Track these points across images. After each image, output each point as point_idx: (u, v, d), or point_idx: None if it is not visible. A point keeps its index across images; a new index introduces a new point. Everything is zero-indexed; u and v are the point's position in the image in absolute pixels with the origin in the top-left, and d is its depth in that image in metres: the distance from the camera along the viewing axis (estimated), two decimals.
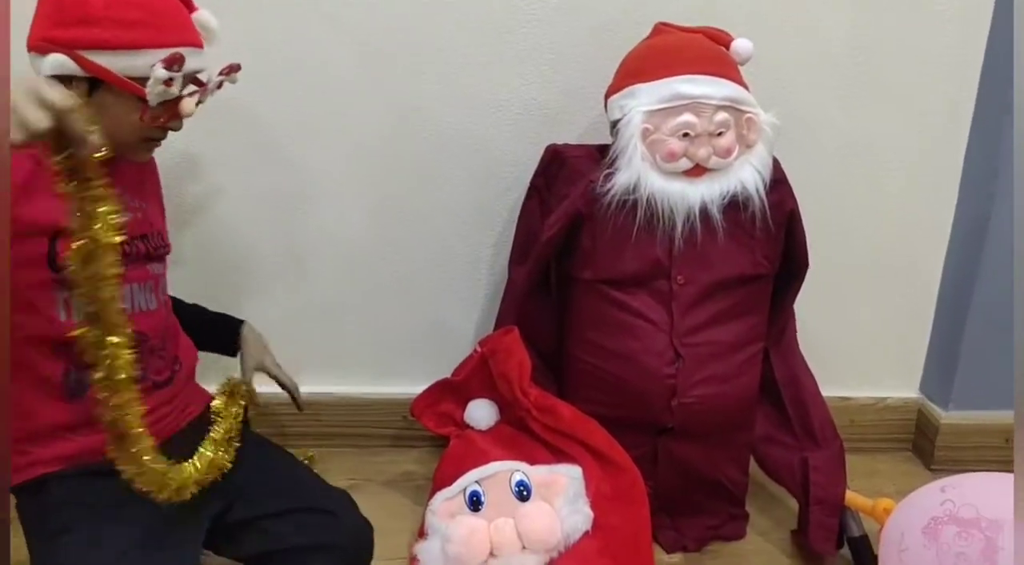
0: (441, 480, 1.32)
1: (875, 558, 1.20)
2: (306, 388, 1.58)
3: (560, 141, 1.41)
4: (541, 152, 1.39)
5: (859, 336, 1.67)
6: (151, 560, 0.96)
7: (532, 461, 1.29)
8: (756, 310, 1.33)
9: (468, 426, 1.38)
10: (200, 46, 1.02)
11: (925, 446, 1.68)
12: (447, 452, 1.37)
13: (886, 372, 1.71)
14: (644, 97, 1.20)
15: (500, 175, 1.50)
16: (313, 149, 1.48)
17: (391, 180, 1.51)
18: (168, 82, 0.96)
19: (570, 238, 1.30)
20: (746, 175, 1.23)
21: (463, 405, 1.41)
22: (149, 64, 0.95)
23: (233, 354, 1.29)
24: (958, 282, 1.61)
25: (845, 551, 1.34)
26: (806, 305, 1.62)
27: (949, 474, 1.23)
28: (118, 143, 0.95)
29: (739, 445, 1.39)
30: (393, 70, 1.44)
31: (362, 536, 1.11)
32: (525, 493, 1.25)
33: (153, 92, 0.95)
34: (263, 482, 1.09)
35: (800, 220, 1.33)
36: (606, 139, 1.31)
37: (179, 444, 1.01)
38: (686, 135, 1.20)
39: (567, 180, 1.29)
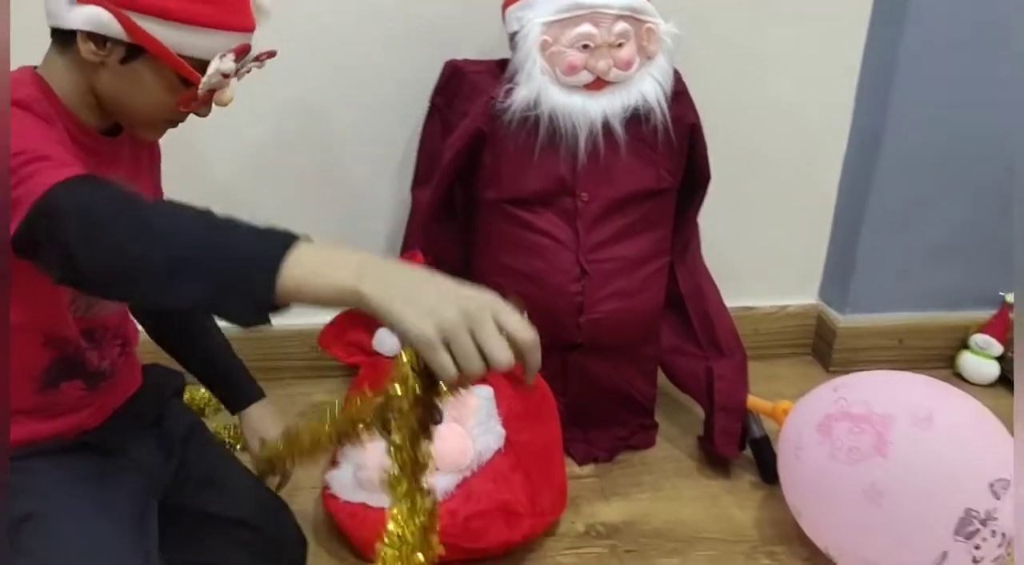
0: (351, 407, 1.30)
1: (775, 457, 1.26)
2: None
3: (460, 57, 1.36)
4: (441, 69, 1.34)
5: (761, 247, 1.71)
6: (114, 537, 0.88)
7: None
8: (660, 224, 1.34)
9: (378, 354, 1.37)
10: (254, 30, 0.88)
11: (824, 349, 1.75)
12: (356, 380, 1.35)
13: (787, 281, 1.76)
14: (541, 7, 1.16)
15: (399, 94, 1.44)
16: None
17: (286, 106, 1.44)
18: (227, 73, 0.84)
19: (472, 157, 1.27)
20: (647, 87, 1.22)
21: (372, 333, 1.38)
22: (210, 47, 0.82)
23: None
24: (853, 192, 1.65)
25: (748, 452, 1.40)
26: (709, 219, 1.64)
27: (846, 375, 1.28)
28: (136, 120, 0.87)
29: (646, 358, 1.42)
30: None
31: (296, 553, 1.08)
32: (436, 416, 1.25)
33: (210, 81, 0.83)
34: (209, 477, 1.04)
35: (702, 133, 1.33)
36: (507, 53, 1.27)
37: (116, 426, 0.96)
38: (586, 47, 1.17)
39: (467, 97, 1.25)
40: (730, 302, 1.70)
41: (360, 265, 0.62)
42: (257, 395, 1.14)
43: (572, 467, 1.39)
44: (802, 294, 1.78)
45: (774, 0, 1.51)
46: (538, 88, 1.17)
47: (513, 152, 1.23)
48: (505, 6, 1.22)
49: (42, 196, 0.68)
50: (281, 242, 0.63)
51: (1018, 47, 1.50)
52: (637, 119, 1.23)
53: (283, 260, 0.62)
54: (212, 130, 1.41)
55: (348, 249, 0.63)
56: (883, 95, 1.54)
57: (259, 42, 0.89)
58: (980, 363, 1.69)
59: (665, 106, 1.23)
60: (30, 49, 0.85)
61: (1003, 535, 1.02)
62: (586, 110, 1.19)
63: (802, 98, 1.59)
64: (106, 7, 0.79)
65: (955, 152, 1.58)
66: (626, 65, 1.19)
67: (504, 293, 0.63)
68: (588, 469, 1.39)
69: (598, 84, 1.20)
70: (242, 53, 0.85)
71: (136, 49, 0.81)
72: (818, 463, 1.10)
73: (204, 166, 1.47)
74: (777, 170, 1.65)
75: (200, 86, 0.83)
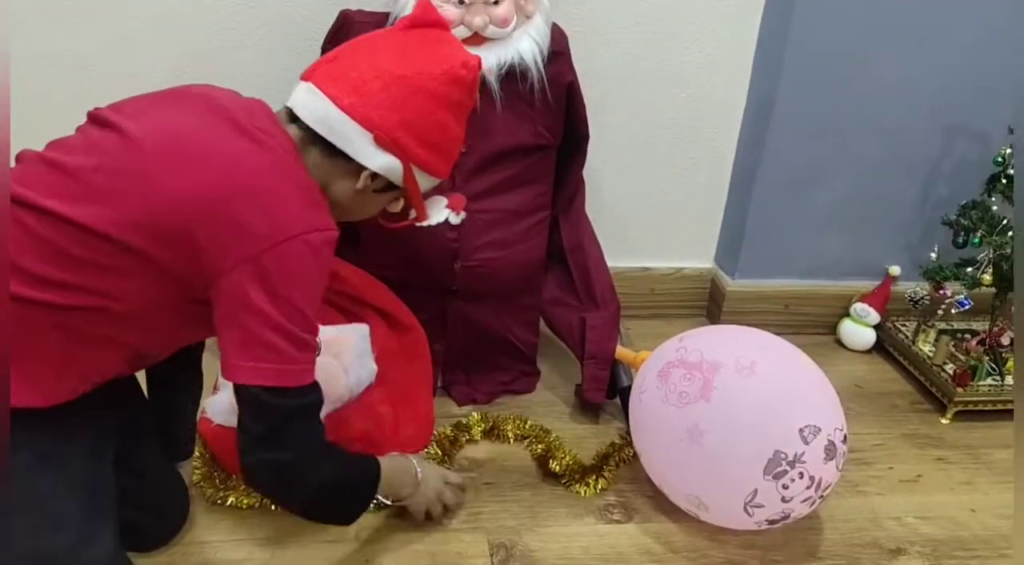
0: None
1: None
2: None
3: (367, 6, 1.40)
4: None
5: (660, 210, 1.78)
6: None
7: (323, 322, 1.35)
8: (540, 180, 1.40)
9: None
10: None
11: (715, 311, 1.83)
12: None
13: (684, 244, 1.83)
14: None
15: (299, 39, 1.48)
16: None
17: (186, 52, 1.48)
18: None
19: None
20: (524, 46, 1.27)
21: None
22: (428, 188, 1.05)
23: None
24: (747, 160, 1.72)
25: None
26: (610, 180, 1.71)
27: (696, 328, 1.35)
28: (347, 219, 1.03)
29: (527, 307, 1.49)
30: None
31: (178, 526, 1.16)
32: None
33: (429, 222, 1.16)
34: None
35: (579, 92, 1.39)
36: None
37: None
38: (461, 2, 1.22)
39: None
40: (628, 263, 1.80)
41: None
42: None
43: (452, 407, 1.46)
44: (698, 258, 1.85)
45: None
46: None
47: None
48: None
49: (293, 407, 0.93)
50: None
51: (900, 28, 1.57)
52: (513, 76, 1.29)
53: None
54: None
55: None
56: (776, 64, 1.60)
57: None
58: (859, 330, 1.77)
59: (542, 65, 1.28)
60: None
61: (812, 478, 1.11)
62: None
63: (704, 64, 1.64)
64: (400, 159, 0.97)
65: (843, 124, 1.65)
66: (503, 22, 1.25)
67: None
68: (466, 410, 1.47)
69: (476, 39, 1.26)
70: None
71: (394, 185, 1.01)
72: (653, 405, 1.18)
73: None
74: (678, 135, 1.71)
75: (418, 219, 1.08)
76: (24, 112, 1.05)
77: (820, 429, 1.11)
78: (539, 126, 1.35)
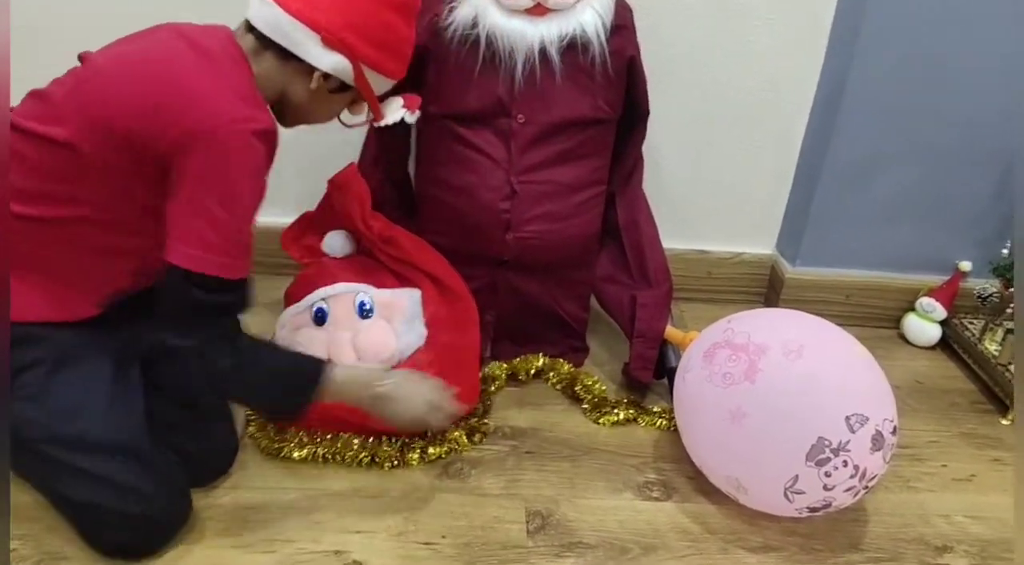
0: (291, 298, 1.41)
1: None
2: None
3: None
4: None
5: (721, 192, 1.75)
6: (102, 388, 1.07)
7: (379, 285, 1.38)
8: (597, 154, 1.39)
9: (324, 254, 1.46)
10: None
11: (773, 298, 1.79)
12: (300, 274, 1.45)
13: (745, 228, 1.80)
14: None
15: None
16: None
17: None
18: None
19: (418, 72, 1.34)
20: (587, 18, 1.26)
21: (323, 237, 1.48)
22: (381, 88, 1.11)
23: None
24: (815, 146, 1.68)
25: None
26: (670, 157, 1.69)
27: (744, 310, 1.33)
28: (305, 122, 1.13)
29: (577, 282, 1.49)
30: None
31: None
32: (367, 313, 1.35)
33: (385, 121, 1.14)
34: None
35: (641, 68, 1.37)
36: None
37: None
38: None
39: (419, 14, 1.31)
40: (685, 244, 1.78)
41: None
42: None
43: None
44: (759, 243, 1.82)
45: None
46: (477, 8, 1.23)
47: (454, 69, 1.29)
48: None
49: (224, 299, 0.99)
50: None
51: (978, 14, 1.50)
52: (575, 48, 1.28)
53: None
54: None
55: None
56: (848, 49, 1.55)
57: None
58: (924, 326, 1.72)
59: (604, 38, 1.28)
60: None
61: (856, 467, 1.08)
62: (524, 34, 1.25)
63: (775, 45, 1.61)
64: (348, 59, 1.03)
65: (915, 112, 1.59)
66: None
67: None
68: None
69: (539, 10, 1.26)
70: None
71: (347, 86, 1.07)
72: (697, 385, 1.17)
73: None
74: (745, 116, 1.68)
75: (376, 121, 1.14)
76: None
77: (868, 418, 1.08)
78: (599, 99, 1.34)
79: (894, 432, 1.13)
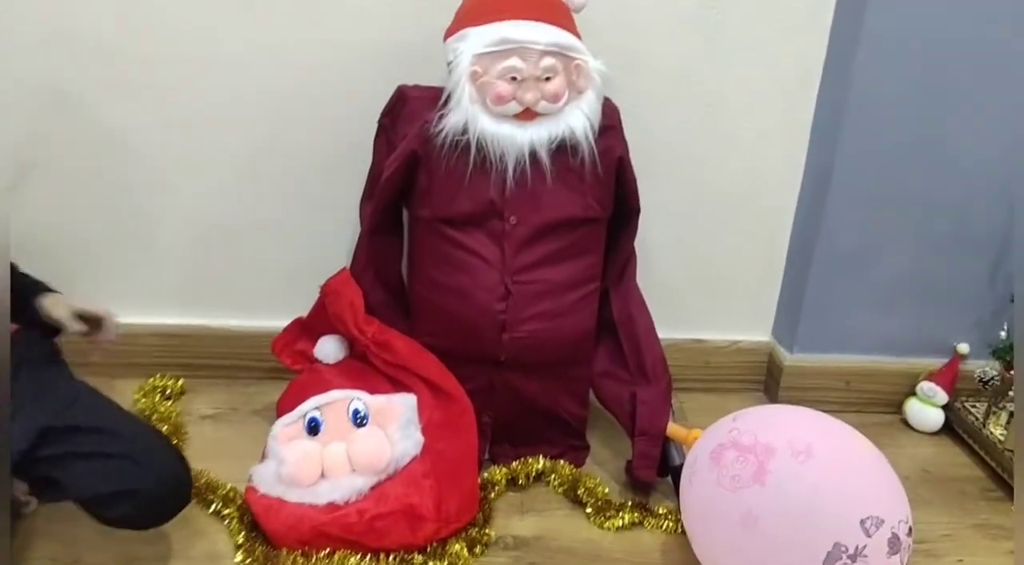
0: (284, 407, 1.38)
1: None
2: (180, 320, 1.64)
3: (424, 82, 1.44)
4: None
5: (714, 281, 1.75)
6: None
7: (373, 391, 1.35)
8: (590, 252, 1.39)
9: (317, 361, 1.44)
10: None
11: (773, 387, 1.77)
12: (293, 381, 1.43)
13: (740, 316, 1.79)
14: (474, 40, 1.24)
15: (365, 116, 1.52)
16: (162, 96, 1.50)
17: (258, 123, 1.54)
18: None
19: (409, 177, 1.34)
20: (575, 121, 1.28)
21: (315, 343, 1.46)
22: None
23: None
24: (805, 231, 1.68)
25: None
26: (663, 249, 1.70)
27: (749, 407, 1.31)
28: None
29: (576, 379, 1.46)
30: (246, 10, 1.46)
31: (173, 481, 1.13)
32: (361, 420, 1.31)
33: None
34: (70, 417, 1.11)
35: (630, 167, 1.39)
36: None
37: None
38: (514, 79, 1.24)
39: (407, 120, 1.33)
40: (681, 334, 1.76)
41: None
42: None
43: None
44: (755, 331, 1.80)
45: (734, 38, 1.55)
46: (467, 115, 1.24)
47: (445, 174, 1.30)
48: (445, 38, 1.30)
49: None
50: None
51: (964, 100, 1.53)
52: (564, 150, 1.29)
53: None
54: (191, 143, 1.54)
55: None
56: (834, 135, 1.57)
57: None
58: (926, 411, 1.69)
59: (592, 139, 1.29)
60: None
61: None
62: (514, 138, 1.26)
63: (759, 135, 1.63)
64: None
65: (906, 197, 1.60)
66: (554, 98, 1.26)
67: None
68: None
69: (528, 114, 1.27)
70: None
71: None
72: (706, 489, 1.14)
73: (183, 178, 1.58)
74: (733, 206, 1.68)
75: None
76: None
77: (883, 521, 1.05)
78: (589, 199, 1.34)
79: (910, 533, 1.09)
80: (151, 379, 1.61)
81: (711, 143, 1.63)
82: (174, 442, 1.40)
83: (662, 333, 1.66)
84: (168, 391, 1.60)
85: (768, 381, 1.80)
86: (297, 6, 1.46)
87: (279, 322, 1.55)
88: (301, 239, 1.64)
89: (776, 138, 1.64)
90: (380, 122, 1.40)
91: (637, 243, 1.51)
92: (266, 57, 1.49)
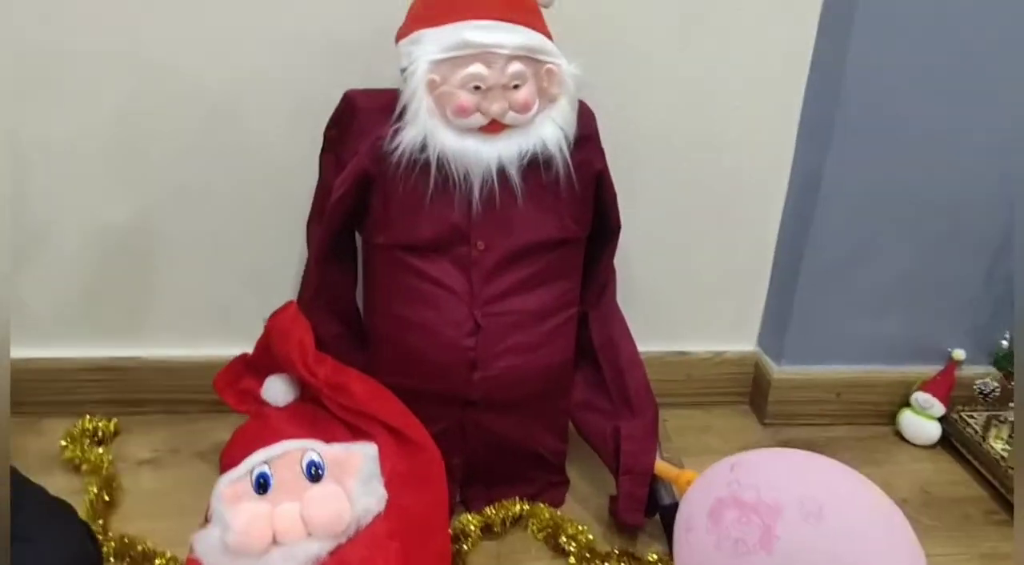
0: (229, 461, 1.22)
1: None
2: (111, 352, 1.48)
3: (378, 83, 1.27)
4: None
5: (697, 289, 1.63)
6: None
7: (330, 439, 1.20)
8: (566, 275, 1.25)
9: (265, 403, 1.29)
10: None
11: (760, 401, 1.66)
12: (238, 431, 1.27)
13: (725, 326, 1.68)
14: (430, 44, 1.07)
15: (312, 121, 1.36)
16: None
17: (202, 128, 1.37)
18: None
19: (362, 199, 1.19)
20: (547, 132, 1.13)
21: (263, 381, 1.31)
22: None
23: None
24: (792, 238, 1.57)
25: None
26: (643, 257, 1.57)
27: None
28: None
29: (554, 413, 1.33)
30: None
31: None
32: (318, 473, 1.17)
33: None
34: None
35: (610, 181, 1.25)
36: None
37: None
38: (477, 88, 1.08)
39: (357, 134, 1.17)
40: (663, 346, 1.65)
41: None
42: None
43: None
44: (740, 341, 1.69)
45: (716, 41, 1.43)
46: (426, 130, 1.09)
47: (403, 196, 1.14)
48: (396, 40, 1.14)
49: None
50: None
51: (964, 94, 1.42)
52: (536, 166, 1.15)
53: None
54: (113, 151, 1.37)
55: None
56: (823, 135, 1.45)
57: None
58: (922, 424, 1.60)
59: (567, 152, 1.15)
60: None
61: None
62: (479, 155, 1.11)
63: (744, 136, 1.51)
64: None
65: (898, 198, 1.49)
66: (524, 108, 1.11)
67: None
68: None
69: (494, 127, 1.12)
70: None
71: None
72: (704, 551, 1.02)
73: (132, 186, 1.40)
74: (717, 210, 1.56)
75: None
76: None
77: None
78: (566, 218, 1.20)
79: None
80: (80, 422, 1.45)
81: (693, 144, 1.50)
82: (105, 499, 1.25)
83: (643, 345, 1.54)
84: (100, 434, 1.44)
85: (754, 394, 1.69)
86: None
87: (219, 350, 1.40)
88: (244, 258, 1.48)
89: (761, 138, 1.52)
90: (326, 134, 1.24)
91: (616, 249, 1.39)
92: (198, 52, 1.32)
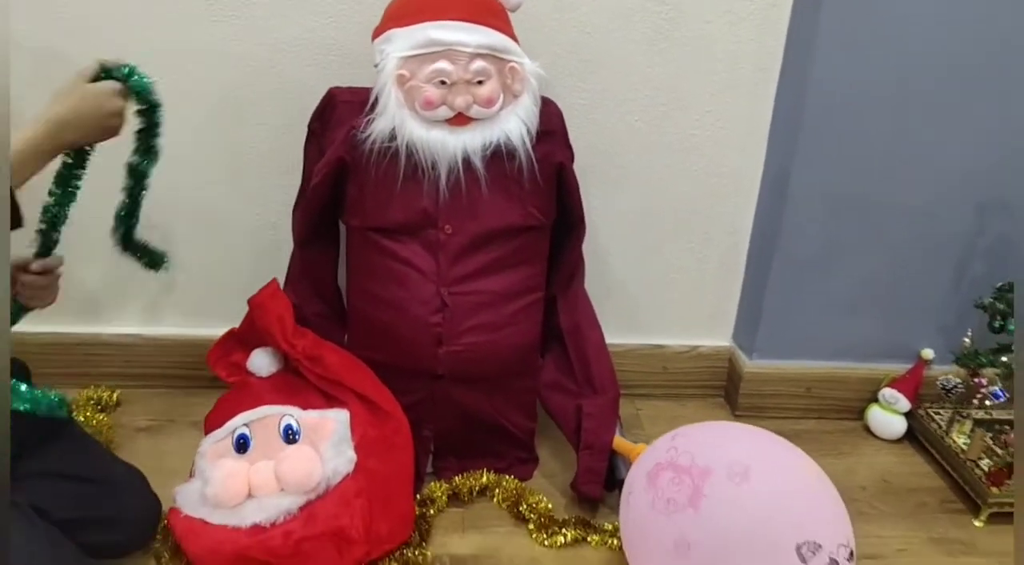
0: (212, 423, 1.32)
1: None
2: (117, 329, 1.58)
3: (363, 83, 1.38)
4: None
5: (673, 285, 1.70)
6: None
7: (306, 406, 1.30)
8: (531, 261, 1.34)
9: (250, 373, 1.39)
10: None
11: (732, 393, 1.72)
12: (223, 396, 1.37)
13: (699, 321, 1.74)
14: (400, 42, 1.18)
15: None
16: None
17: (202, 123, 1.48)
18: None
19: (339, 185, 1.29)
20: (511, 126, 1.22)
21: (250, 354, 1.41)
22: None
23: None
24: (764, 235, 1.63)
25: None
26: (620, 254, 1.65)
27: (752, 421, 1.27)
28: None
29: (522, 391, 1.41)
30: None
31: (146, 513, 1.18)
32: (293, 436, 1.26)
33: None
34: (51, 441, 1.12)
35: (572, 174, 1.33)
36: None
37: None
38: (443, 82, 1.18)
39: (336, 125, 1.28)
40: (639, 340, 1.72)
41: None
42: None
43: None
44: (715, 335, 1.76)
45: (689, 41, 1.50)
46: (395, 120, 1.18)
47: (376, 182, 1.24)
48: (372, 38, 1.24)
49: None
50: None
51: (929, 98, 1.47)
52: (500, 157, 1.24)
53: None
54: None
55: None
56: (792, 135, 1.52)
57: None
58: (888, 418, 1.65)
59: (530, 145, 1.23)
60: None
61: None
62: (445, 145, 1.20)
63: (715, 136, 1.58)
64: None
65: (867, 199, 1.55)
66: (487, 102, 1.20)
67: None
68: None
69: (461, 120, 1.21)
70: None
71: None
72: (641, 510, 1.09)
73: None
74: (690, 209, 1.63)
75: None
76: None
77: (821, 546, 1.00)
78: (529, 207, 1.29)
79: (851, 557, 1.04)
80: (85, 391, 1.56)
81: (666, 144, 1.57)
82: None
83: (620, 338, 1.62)
84: (103, 403, 1.55)
85: (728, 387, 1.75)
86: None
87: (215, 330, 1.50)
88: (238, 245, 1.58)
89: (733, 137, 1.58)
90: (310, 127, 1.35)
91: (594, 246, 1.47)
92: (195, 55, 1.43)
